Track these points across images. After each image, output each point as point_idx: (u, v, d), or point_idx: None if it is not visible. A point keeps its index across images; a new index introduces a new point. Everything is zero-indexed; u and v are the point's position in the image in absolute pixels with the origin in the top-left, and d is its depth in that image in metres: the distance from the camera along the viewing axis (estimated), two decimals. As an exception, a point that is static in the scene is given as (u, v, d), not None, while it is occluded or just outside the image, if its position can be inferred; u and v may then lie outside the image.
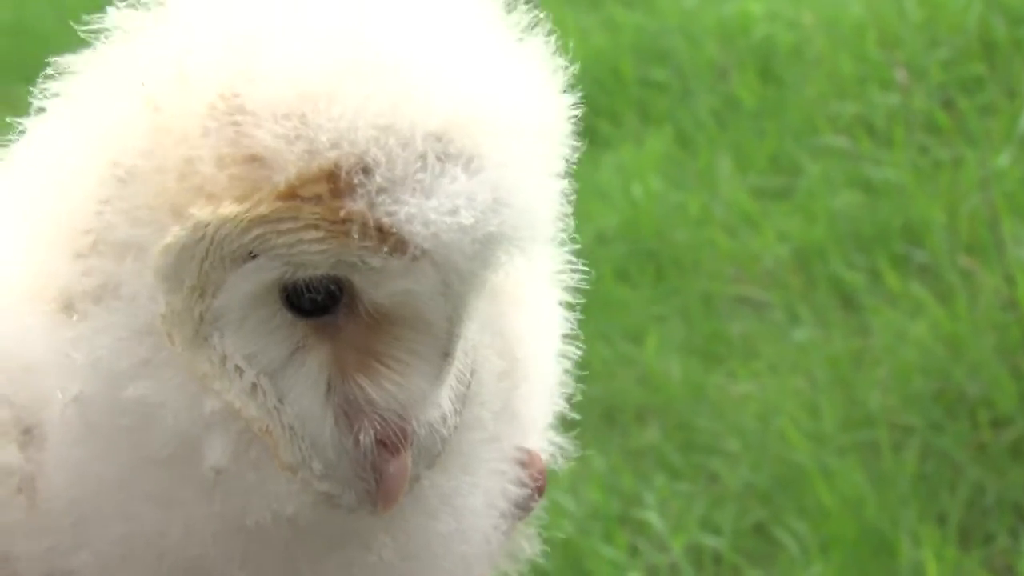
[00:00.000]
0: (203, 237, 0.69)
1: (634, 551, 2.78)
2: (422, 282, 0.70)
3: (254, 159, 0.68)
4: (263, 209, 0.68)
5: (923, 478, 2.76)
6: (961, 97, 3.70)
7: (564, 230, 0.78)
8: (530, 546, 0.86)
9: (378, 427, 0.73)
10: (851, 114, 3.76)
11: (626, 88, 4.13)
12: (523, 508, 0.82)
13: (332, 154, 0.68)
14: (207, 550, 0.74)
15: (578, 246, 0.81)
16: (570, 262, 0.82)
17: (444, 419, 0.75)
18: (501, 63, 0.73)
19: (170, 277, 0.70)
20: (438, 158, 0.69)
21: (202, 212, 0.69)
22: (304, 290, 0.71)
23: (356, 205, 0.68)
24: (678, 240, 3.55)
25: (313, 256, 0.69)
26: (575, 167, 0.76)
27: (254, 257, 0.70)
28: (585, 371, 0.85)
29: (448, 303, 0.71)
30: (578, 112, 0.76)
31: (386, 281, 0.70)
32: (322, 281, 0.71)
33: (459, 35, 0.73)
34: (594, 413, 3.01)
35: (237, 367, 0.72)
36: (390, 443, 0.73)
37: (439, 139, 0.69)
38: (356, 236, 0.68)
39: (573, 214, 0.77)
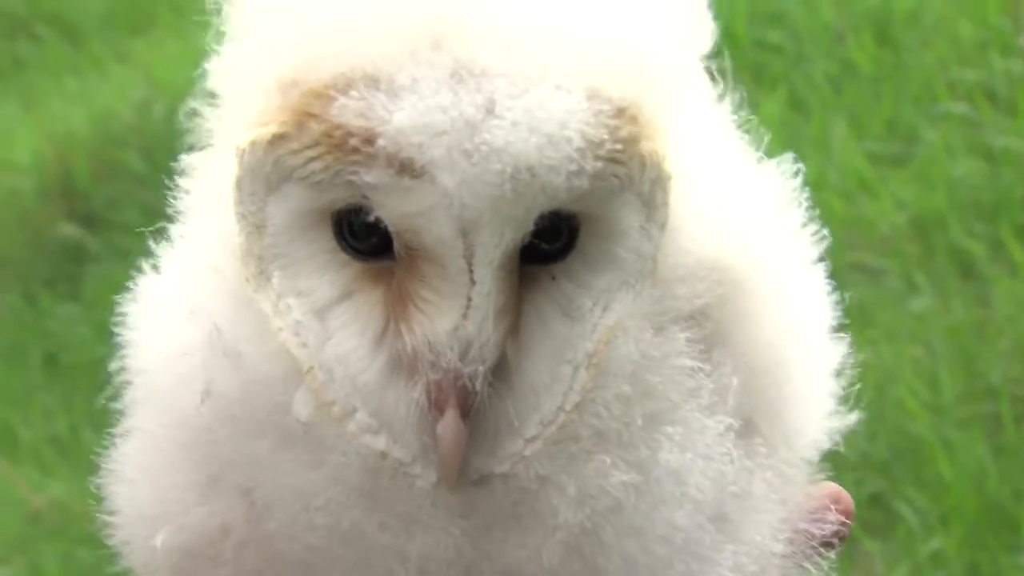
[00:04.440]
0: (243, 165, 0.68)
1: (747, 518, 2.76)
2: (421, 203, 0.65)
3: (286, 85, 0.67)
4: (276, 128, 0.67)
5: (1046, 452, 2.72)
6: (1086, 64, 3.62)
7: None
8: None
9: (427, 382, 0.67)
10: (971, 80, 3.69)
11: (740, 50, 4.08)
12: (822, 547, 0.76)
13: (335, 66, 0.66)
14: (365, 529, 0.69)
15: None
16: None
17: (533, 387, 0.69)
18: None
19: (236, 214, 0.69)
20: (439, 69, 0.65)
21: (241, 140, 0.68)
22: (359, 230, 0.68)
23: (346, 114, 0.65)
24: (792, 205, 3.50)
25: (320, 175, 0.66)
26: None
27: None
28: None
29: (458, 231, 0.65)
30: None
31: (390, 201, 0.66)
32: (370, 219, 0.67)
33: None
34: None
35: (288, 304, 0.69)
36: (434, 399, 0.67)
37: (444, 50, 0.65)
38: (347, 147, 0.65)
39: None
